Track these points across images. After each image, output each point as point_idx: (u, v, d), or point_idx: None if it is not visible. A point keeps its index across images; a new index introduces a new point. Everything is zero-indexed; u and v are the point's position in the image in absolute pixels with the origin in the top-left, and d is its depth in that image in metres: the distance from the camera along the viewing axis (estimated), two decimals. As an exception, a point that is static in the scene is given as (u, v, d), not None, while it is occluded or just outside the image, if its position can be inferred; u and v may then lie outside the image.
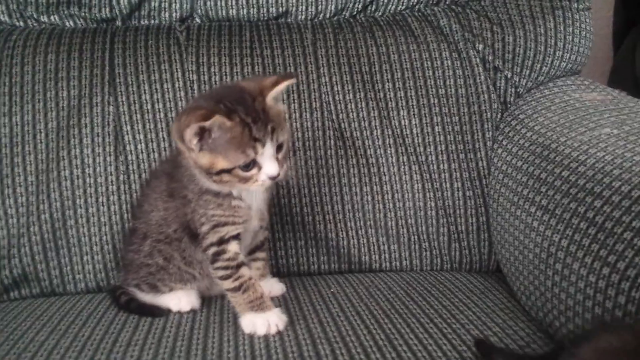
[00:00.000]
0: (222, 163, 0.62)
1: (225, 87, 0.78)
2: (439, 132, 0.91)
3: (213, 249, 0.68)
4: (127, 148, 0.86)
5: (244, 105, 0.62)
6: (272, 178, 0.64)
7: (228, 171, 0.63)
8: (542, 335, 0.67)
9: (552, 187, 0.71)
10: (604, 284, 0.58)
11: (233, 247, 0.69)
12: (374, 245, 0.90)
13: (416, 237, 0.90)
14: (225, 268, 0.68)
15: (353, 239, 0.89)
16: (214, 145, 0.62)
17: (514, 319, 0.71)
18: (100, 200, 0.84)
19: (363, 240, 0.89)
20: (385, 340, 0.64)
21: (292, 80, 0.67)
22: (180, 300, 0.74)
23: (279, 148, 0.64)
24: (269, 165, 0.63)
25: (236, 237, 0.69)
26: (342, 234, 0.89)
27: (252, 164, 0.63)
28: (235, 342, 0.65)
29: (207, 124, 0.60)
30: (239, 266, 0.69)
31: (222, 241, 0.68)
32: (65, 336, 0.67)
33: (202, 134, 0.61)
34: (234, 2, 0.93)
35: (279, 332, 0.66)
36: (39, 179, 0.84)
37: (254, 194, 0.69)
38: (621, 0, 1.50)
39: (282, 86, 0.65)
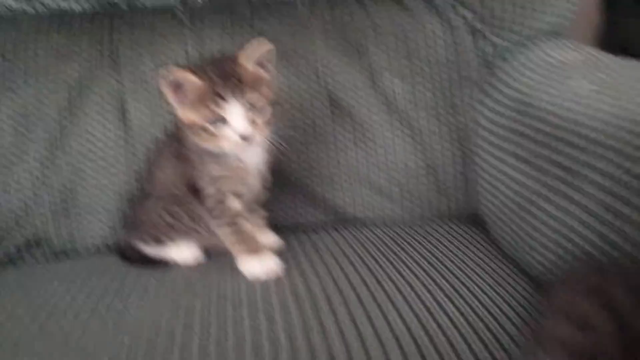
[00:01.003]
0: (193, 117, 0.68)
1: (216, 55, 0.84)
2: (425, 94, 0.95)
3: (212, 201, 0.74)
4: (132, 121, 0.91)
5: (217, 66, 0.68)
6: (244, 138, 0.68)
7: (202, 128, 0.68)
8: (519, 273, 0.73)
9: (531, 140, 0.76)
10: (578, 224, 0.64)
11: (231, 200, 0.75)
12: (365, 201, 0.95)
13: (405, 192, 0.95)
14: (224, 217, 0.75)
15: (346, 195, 0.95)
16: (188, 101, 0.68)
17: (495, 261, 0.77)
18: (107, 168, 0.89)
19: (356, 197, 0.95)
20: (376, 285, 0.69)
21: (266, 47, 0.71)
22: (183, 252, 0.80)
23: (255, 111, 0.69)
24: (237, 123, 0.67)
25: (235, 193, 0.75)
26: (336, 191, 0.95)
27: (220, 120, 0.68)
28: (239, 288, 0.70)
29: (173, 76, 0.67)
30: (236, 216, 0.74)
31: (220, 194, 0.74)
32: (82, 290, 0.74)
33: (175, 88, 0.68)
34: None
35: (277, 278, 0.72)
36: (49, 150, 0.89)
37: (250, 154, 0.74)
38: None
39: (255, 50, 0.70)
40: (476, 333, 0.59)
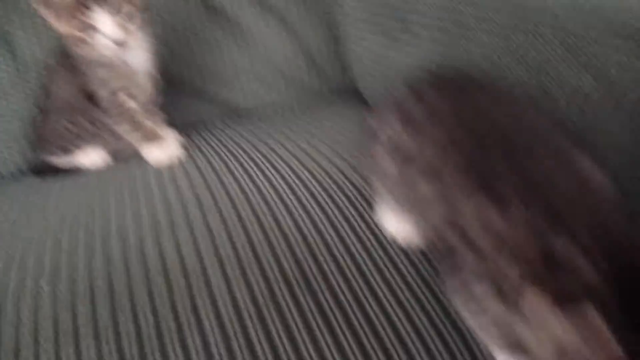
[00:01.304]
0: (68, 29, 0.74)
1: None
2: None
3: (107, 103, 0.82)
4: (21, 51, 0.95)
5: None
6: (117, 43, 0.75)
7: (79, 38, 0.75)
8: None
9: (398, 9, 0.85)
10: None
11: (122, 97, 0.82)
12: (253, 93, 1.04)
13: (288, 80, 1.05)
14: (120, 114, 0.82)
15: (235, 89, 1.03)
16: (62, 15, 0.74)
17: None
18: (2, 98, 0.94)
19: (245, 90, 1.04)
20: (272, 169, 0.78)
21: None
22: (92, 157, 0.87)
23: (122, 17, 0.75)
24: (106, 30, 0.74)
25: (127, 93, 0.83)
26: (225, 87, 1.03)
27: (91, 28, 0.74)
28: (147, 180, 0.79)
29: None
30: (130, 110, 0.83)
31: (113, 95, 0.82)
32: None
33: (46, 5, 0.74)
34: None
35: (181, 166, 0.81)
36: None
37: (132, 56, 0.81)
38: None
39: None
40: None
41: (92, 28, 0.74)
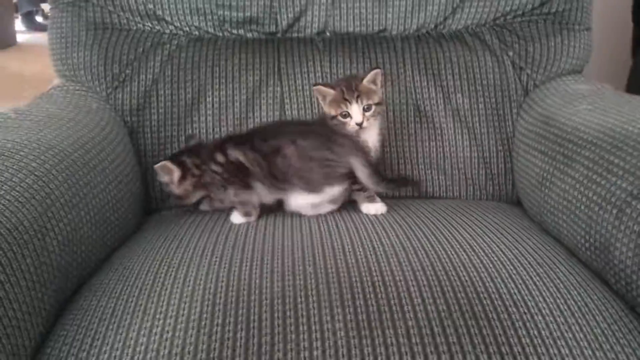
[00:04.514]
0: (332, 112, 1.14)
1: (348, 76, 1.30)
2: (482, 108, 1.34)
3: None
4: (288, 113, 1.33)
5: (347, 82, 1.14)
6: (358, 124, 1.12)
7: (334, 117, 1.14)
8: (539, 227, 1.10)
9: (548, 140, 1.10)
10: (580, 192, 0.97)
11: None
12: (434, 180, 1.33)
13: (463, 176, 1.32)
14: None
15: (421, 175, 1.32)
16: (328, 102, 1.14)
17: (520, 224, 1.07)
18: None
19: (427, 176, 1.32)
20: (439, 236, 0.96)
21: (378, 72, 1.13)
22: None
23: (367, 109, 1.12)
24: (355, 116, 1.13)
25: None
26: (414, 172, 1.32)
27: (346, 114, 1.13)
28: (360, 218, 1.12)
29: (316, 88, 1.15)
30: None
31: None
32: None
33: (323, 96, 1.15)
34: (351, 22, 1.39)
35: (382, 215, 1.14)
36: (233, 130, 1.34)
37: (369, 134, 1.17)
38: (633, 16, 1.90)
39: (371, 74, 1.13)
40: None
41: (347, 114, 1.13)
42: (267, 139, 1.12)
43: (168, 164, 1.12)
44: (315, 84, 1.16)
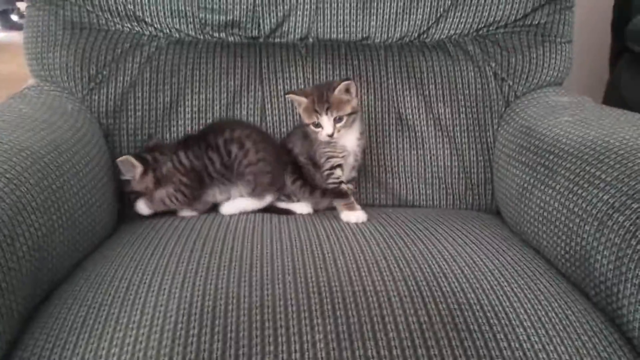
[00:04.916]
0: (305, 119, 1.15)
1: (322, 84, 1.27)
2: (463, 117, 1.35)
3: (327, 172, 1.18)
4: (269, 119, 1.33)
5: (318, 92, 1.14)
6: (329, 135, 1.12)
7: (308, 125, 1.14)
8: (518, 238, 1.10)
9: (529, 151, 1.11)
10: (560, 204, 0.96)
11: (338, 171, 1.18)
12: (415, 189, 1.33)
13: (444, 185, 1.33)
14: (333, 183, 1.18)
15: (403, 184, 1.33)
16: (302, 110, 1.15)
17: (500, 234, 1.07)
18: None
19: (408, 185, 1.33)
20: (420, 245, 0.97)
21: (350, 82, 1.12)
22: (303, 207, 1.23)
23: (338, 120, 1.13)
24: (326, 127, 1.13)
25: (340, 166, 1.19)
26: (396, 180, 1.33)
27: (317, 124, 1.13)
28: (341, 226, 1.11)
29: (289, 97, 1.19)
30: (341, 182, 1.18)
31: (332, 167, 1.18)
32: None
33: (298, 103, 1.16)
34: (335, 29, 1.38)
35: (363, 223, 1.13)
36: None
37: (347, 140, 1.18)
38: (612, 29, 1.92)
39: (343, 84, 1.13)
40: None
41: (319, 125, 1.13)
42: (224, 130, 1.19)
43: (130, 158, 1.16)
44: (288, 93, 1.18)
